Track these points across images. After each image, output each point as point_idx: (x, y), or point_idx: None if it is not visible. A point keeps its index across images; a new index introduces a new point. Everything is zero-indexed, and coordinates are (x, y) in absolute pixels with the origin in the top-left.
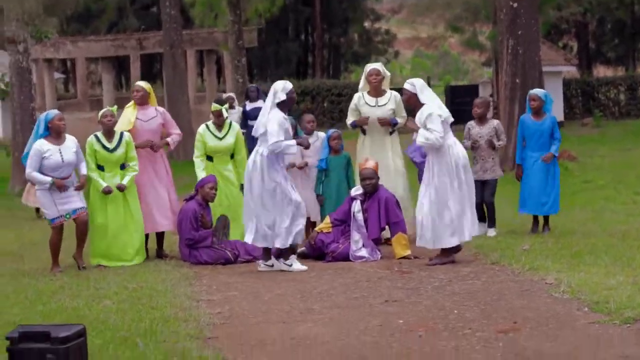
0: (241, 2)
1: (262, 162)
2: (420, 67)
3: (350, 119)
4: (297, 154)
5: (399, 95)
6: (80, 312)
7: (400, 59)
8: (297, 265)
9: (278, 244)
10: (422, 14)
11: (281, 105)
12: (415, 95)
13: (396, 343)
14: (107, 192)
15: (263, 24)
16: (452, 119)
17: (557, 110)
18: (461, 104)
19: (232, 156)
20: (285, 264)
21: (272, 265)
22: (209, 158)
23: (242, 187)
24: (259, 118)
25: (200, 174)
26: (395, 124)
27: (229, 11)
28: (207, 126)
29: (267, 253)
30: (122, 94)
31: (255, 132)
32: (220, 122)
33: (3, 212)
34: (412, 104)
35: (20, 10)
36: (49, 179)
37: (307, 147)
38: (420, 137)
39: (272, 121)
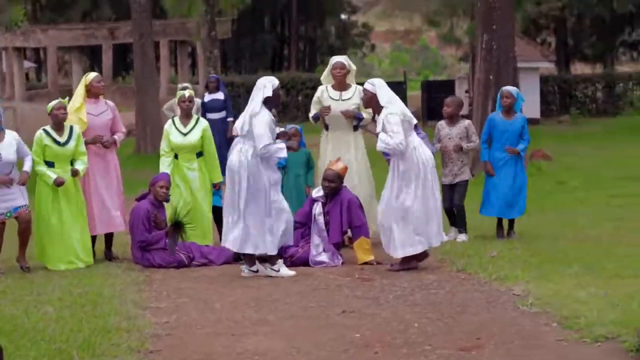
0: None
1: (248, 164)
2: (399, 61)
3: (313, 112)
4: None
5: None
6: (17, 321)
7: (378, 53)
8: (284, 270)
9: (267, 251)
10: (400, 7)
11: (268, 102)
12: (376, 95)
13: (350, 359)
14: (59, 183)
15: (235, 15)
16: (415, 121)
17: (533, 107)
18: (437, 99)
19: (199, 154)
20: (272, 269)
21: (257, 271)
22: (175, 156)
23: (213, 185)
24: (242, 115)
25: (165, 170)
26: (361, 118)
27: (201, 1)
28: (173, 121)
29: (251, 258)
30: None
31: (237, 130)
32: (188, 109)
33: None
34: (373, 106)
35: None
36: None
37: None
38: (380, 142)
39: (260, 123)
